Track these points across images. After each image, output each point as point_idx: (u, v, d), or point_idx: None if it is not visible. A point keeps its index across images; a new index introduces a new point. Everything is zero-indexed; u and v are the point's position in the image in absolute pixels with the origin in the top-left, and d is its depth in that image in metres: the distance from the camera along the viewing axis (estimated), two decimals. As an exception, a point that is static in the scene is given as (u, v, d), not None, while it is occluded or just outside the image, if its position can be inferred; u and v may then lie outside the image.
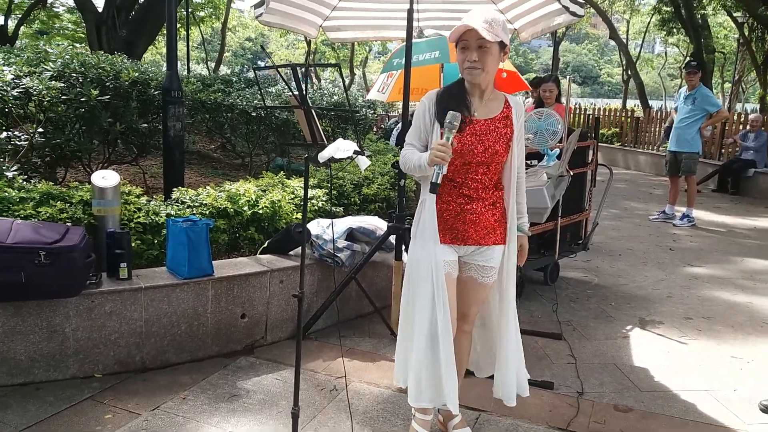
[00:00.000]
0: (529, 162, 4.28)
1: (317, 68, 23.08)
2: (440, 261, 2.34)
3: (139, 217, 3.51)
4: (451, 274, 2.40)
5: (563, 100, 5.24)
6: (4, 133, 4.01)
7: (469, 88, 2.36)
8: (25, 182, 3.54)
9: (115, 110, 4.62)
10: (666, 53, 33.21)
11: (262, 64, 46.77)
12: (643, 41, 27.98)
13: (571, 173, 4.39)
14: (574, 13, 3.41)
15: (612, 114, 16.15)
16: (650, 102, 20.55)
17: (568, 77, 5.93)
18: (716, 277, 5.29)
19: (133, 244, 3.31)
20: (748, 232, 7.23)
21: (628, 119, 15.13)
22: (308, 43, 25.07)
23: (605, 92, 65.00)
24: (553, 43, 27.05)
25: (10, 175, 3.57)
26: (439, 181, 2.17)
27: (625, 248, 6.23)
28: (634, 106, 22.44)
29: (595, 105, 20.30)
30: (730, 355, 3.66)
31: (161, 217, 3.58)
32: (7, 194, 3.25)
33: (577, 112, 16.78)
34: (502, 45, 2.27)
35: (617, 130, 15.22)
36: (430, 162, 2.17)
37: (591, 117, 16.08)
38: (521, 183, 2.51)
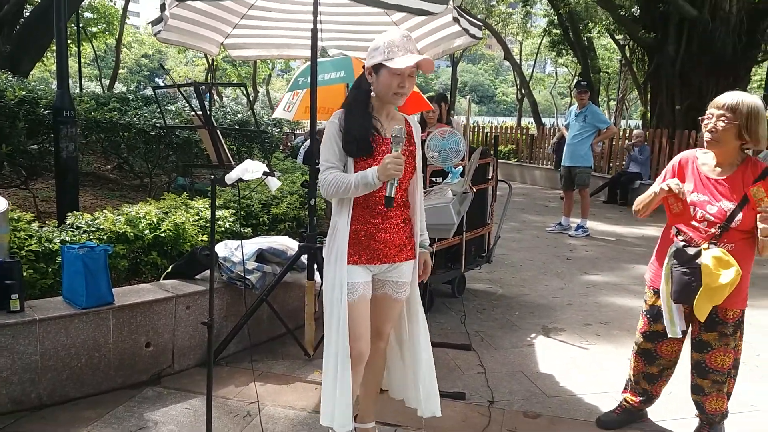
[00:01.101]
0: (434, 180, 4.41)
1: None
2: (345, 283, 2.35)
3: (30, 244, 3.29)
4: (366, 296, 2.42)
5: (457, 118, 5.45)
6: None
7: (377, 109, 2.39)
8: None
9: (0, 131, 4.31)
10: (556, 73, 35.27)
11: (160, 81, 45.12)
12: (535, 62, 29.57)
13: (474, 189, 4.57)
14: (473, 36, 3.57)
15: (508, 131, 16.96)
16: (543, 119, 21.76)
17: (468, 97, 6.18)
18: (611, 284, 5.66)
19: (24, 274, 3.09)
20: (636, 240, 7.80)
21: (524, 136, 15.96)
22: (208, 60, 24.50)
23: (501, 110, 68.03)
24: (451, 64, 28.05)
25: None
26: (393, 195, 2.19)
27: (525, 259, 6.53)
28: (529, 123, 23.65)
29: (492, 123, 21.26)
30: (627, 357, 3.91)
31: (55, 243, 3.36)
32: None
33: (476, 130, 17.48)
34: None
35: (513, 146, 15.99)
36: (385, 177, 2.17)
37: (489, 135, 16.81)
38: (421, 201, 2.58)
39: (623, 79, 23.44)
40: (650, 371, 2.92)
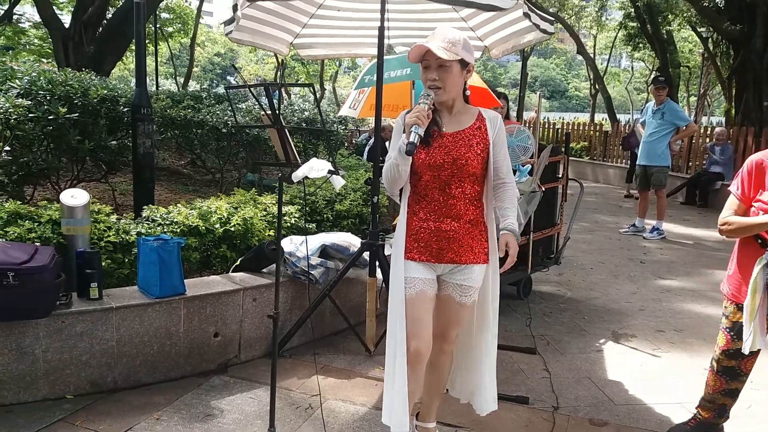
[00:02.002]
0: (501, 177, 4.33)
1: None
2: (403, 279, 2.36)
3: (109, 236, 3.46)
4: (426, 292, 2.40)
5: (527, 115, 5.32)
6: (-31, 152, 3.93)
7: (437, 105, 2.38)
8: (-9, 201, 3.47)
9: (83, 128, 4.56)
10: (632, 68, 34.00)
11: (231, 79, 46.56)
12: (609, 56, 28.64)
13: (543, 188, 4.46)
14: (544, 31, 3.48)
15: (581, 128, 16.45)
16: (618, 115, 21.02)
17: (538, 92, 6.04)
18: (687, 290, 5.40)
19: (103, 264, 3.26)
20: (716, 244, 7.41)
21: (597, 133, 15.44)
22: (278, 59, 25.05)
23: (573, 106, 66.16)
24: (521, 58, 27.51)
25: (-25, 194, 3.49)
26: (415, 141, 2.15)
27: (596, 261, 6.32)
28: (602, 119, 22.90)
29: (563, 119, 20.67)
30: (703, 367, 3.71)
31: (132, 235, 3.52)
32: (-28, 214, 3.17)
33: (546, 126, 17.06)
34: (464, 63, 2.30)
35: (586, 144, 15.50)
36: (408, 125, 2.19)
37: (560, 131, 16.36)
38: (508, 190, 2.47)
39: (705, 74, 22.28)
40: (733, 387, 2.74)
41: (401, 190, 2.42)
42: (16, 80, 4.32)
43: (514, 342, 3.99)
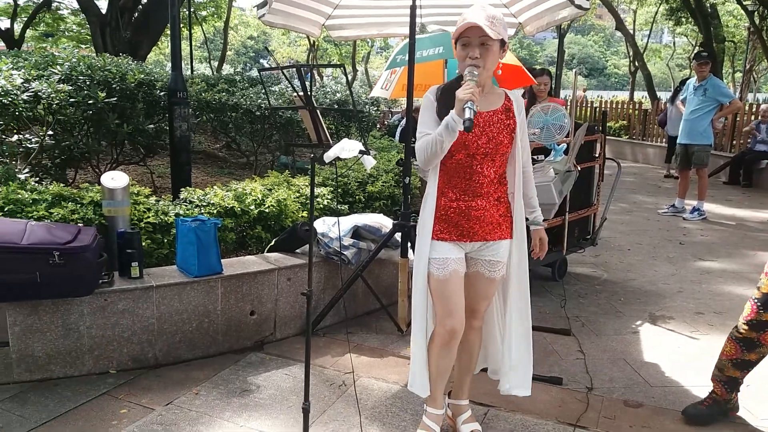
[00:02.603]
0: (535, 157, 4.28)
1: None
2: (427, 257, 2.39)
3: (148, 217, 3.55)
4: (458, 272, 2.41)
5: (563, 93, 5.23)
6: (15, 136, 4.06)
7: None
8: (36, 184, 3.59)
9: (122, 112, 4.66)
10: (674, 43, 32.93)
11: (264, 62, 46.75)
12: (650, 32, 27.80)
13: (579, 168, 4.38)
14: (579, 6, 3.40)
15: (619, 106, 16.06)
16: (658, 93, 20.43)
17: (575, 70, 5.92)
18: (728, 272, 5.27)
19: (143, 244, 3.35)
20: (760, 225, 7.19)
21: (636, 111, 15.05)
22: (310, 41, 25.05)
23: (612, 84, 64.57)
24: (558, 36, 26.90)
25: (22, 177, 3.62)
26: (472, 117, 2.11)
27: (634, 243, 6.21)
28: (642, 97, 22.29)
29: (601, 97, 20.18)
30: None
31: (170, 216, 3.61)
32: (20, 196, 3.29)
33: (584, 104, 16.69)
34: (502, 42, 2.28)
35: (625, 122, 15.12)
36: (459, 106, 2.13)
37: (598, 110, 16.00)
38: (530, 177, 2.52)
39: (751, 49, 21.43)
40: (747, 358, 2.70)
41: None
42: (58, 66, 4.44)
43: (548, 323, 3.97)
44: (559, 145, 4.31)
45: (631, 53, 25.04)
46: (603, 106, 16.42)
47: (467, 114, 2.11)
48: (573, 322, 4.01)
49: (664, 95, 22.08)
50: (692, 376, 3.29)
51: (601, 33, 69.46)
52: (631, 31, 24.64)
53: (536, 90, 5.65)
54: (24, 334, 2.93)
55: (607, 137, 8.95)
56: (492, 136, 2.33)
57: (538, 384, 3.12)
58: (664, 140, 12.74)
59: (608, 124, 14.33)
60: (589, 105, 16.64)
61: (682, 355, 3.57)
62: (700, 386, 3.16)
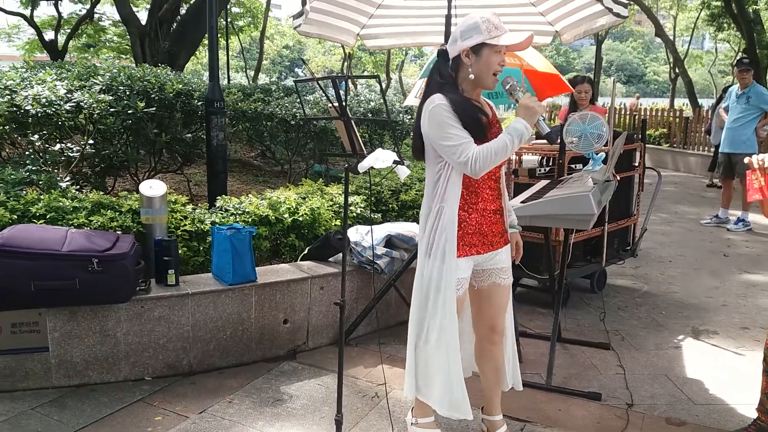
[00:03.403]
0: (573, 166, 4.20)
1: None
2: (454, 278, 2.28)
3: (185, 224, 3.59)
4: (466, 291, 2.42)
5: (601, 101, 5.13)
6: (58, 145, 4.17)
7: (468, 93, 2.30)
8: (77, 192, 3.67)
9: (160, 121, 4.75)
10: (716, 49, 32.13)
11: (299, 71, 47.29)
12: (691, 38, 27.17)
13: (618, 177, 4.28)
14: (618, 14, 3.33)
15: (659, 114, 15.70)
16: (700, 101, 19.93)
17: (613, 77, 5.80)
18: (774, 284, 5.08)
19: (180, 251, 3.39)
20: (806, 235, 6.92)
21: (677, 119, 14.68)
22: (345, 50, 25.21)
23: (651, 91, 63.33)
24: (595, 42, 26.53)
25: (63, 185, 3.71)
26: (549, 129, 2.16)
27: (675, 254, 6.04)
28: (683, 105, 21.78)
29: (641, 104, 19.78)
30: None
31: (206, 224, 3.65)
32: (61, 204, 3.37)
33: (622, 112, 16.38)
34: None
35: (665, 130, 14.76)
36: (533, 118, 2.16)
37: (636, 117, 15.67)
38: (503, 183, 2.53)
39: (797, 54, 20.72)
40: None
41: (445, 182, 2.29)
42: (99, 77, 4.55)
43: (586, 337, 3.88)
44: (597, 154, 4.22)
45: (671, 60, 24.53)
46: (642, 113, 16.08)
47: (546, 127, 2.16)
48: (612, 336, 3.90)
49: (706, 102, 21.55)
50: (737, 394, 3.16)
51: (640, 39, 68.28)
52: (672, 37, 24.15)
53: (577, 98, 5.55)
54: (63, 339, 2.99)
55: (647, 146, 8.75)
56: None
57: (576, 399, 3.05)
58: (709, 149, 12.39)
59: (648, 133, 14.02)
60: (628, 113, 16.29)
61: (727, 372, 3.44)
62: (746, 404, 3.03)
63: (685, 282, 5.12)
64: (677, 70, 22.07)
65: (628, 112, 15.97)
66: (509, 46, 2.20)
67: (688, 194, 10.04)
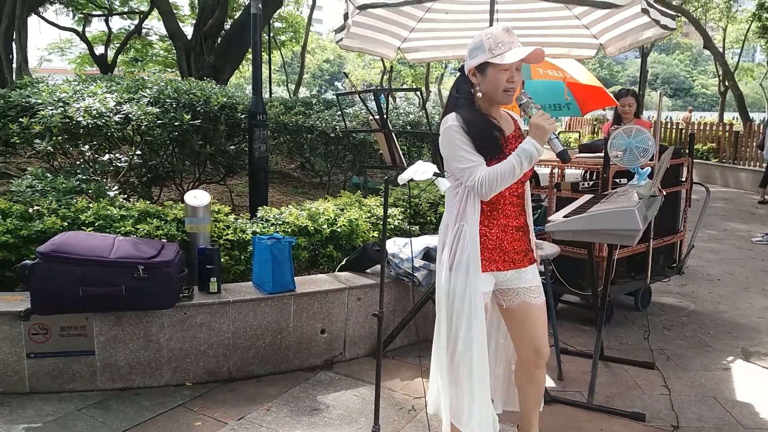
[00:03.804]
0: (618, 181, 4.12)
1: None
2: (478, 293, 2.22)
3: (227, 234, 3.66)
4: (488, 305, 2.34)
5: (646, 114, 5.02)
6: (107, 156, 4.31)
7: (485, 110, 2.26)
8: (124, 201, 3.78)
9: (205, 133, 4.86)
10: None
11: (339, 84, 47.78)
12: (741, 50, 26.39)
13: (664, 193, 4.18)
14: (665, 27, 3.27)
15: (708, 128, 15.28)
16: (751, 114, 19.30)
17: (659, 91, 5.68)
18: (829, 305, 4.85)
19: (222, 260, 3.45)
20: None
21: (726, 134, 14.27)
22: (384, 63, 25.40)
23: (699, 105, 61.57)
24: (640, 55, 26.03)
25: (111, 194, 3.83)
26: (564, 147, 2.11)
27: (724, 272, 5.84)
28: (733, 119, 21.16)
29: (693, 118, 19.28)
30: None
31: (248, 234, 3.71)
32: (109, 212, 3.48)
33: (668, 126, 16.00)
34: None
35: (714, 145, 14.37)
36: (544, 137, 2.10)
37: (684, 132, 15.28)
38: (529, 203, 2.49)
39: None
40: None
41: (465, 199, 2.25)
42: (147, 90, 4.69)
43: (630, 355, 3.77)
44: (643, 168, 4.13)
45: (720, 73, 23.89)
46: (689, 127, 15.68)
47: (559, 146, 2.09)
48: (657, 355, 3.79)
49: (757, 116, 20.86)
50: (792, 419, 3.03)
51: (687, 52, 66.73)
52: (721, 50, 23.51)
53: (621, 111, 5.45)
54: (108, 343, 3.07)
55: (695, 160, 8.52)
56: None
57: (619, 419, 2.97)
58: (761, 164, 11.98)
59: (696, 147, 13.65)
60: (674, 126, 15.90)
61: (780, 396, 3.30)
62: (802, 432, 2.90)
63: (734, 301, 4.94)
64: (727, 84, 21.47)
65: (680, 126, 15.47)
66: (517, 61, 2.15)
67: (738, 211, 9.72)
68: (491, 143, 2.19)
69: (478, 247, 2.22)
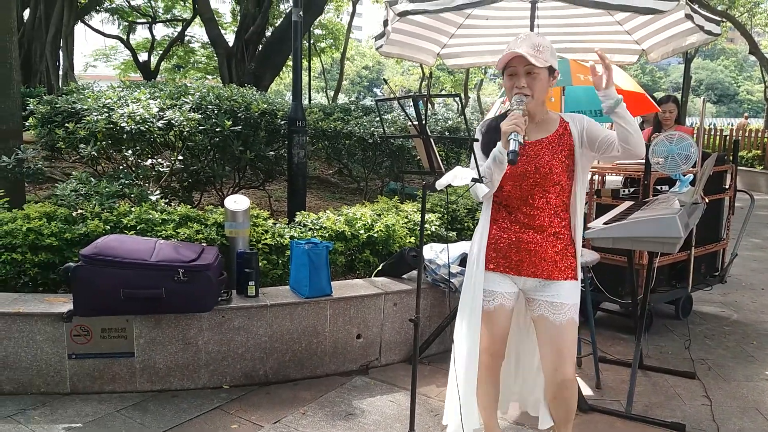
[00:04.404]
0: (659, 188, 4.04)
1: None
2: (480, 288, 2.33)
3: (266, 238, 3.71)
4: (505, 306, 2.35)
5: (688, 121, 4.90)
6: (149, 161, 4.42)
7: (532, 114, 2.28)
8: (166, 205, 3.87)
9: (245, 139, 4.94)
10: (817, 67, 30.07)
11: (378, 91, 47.99)
12: (788, 55, 25.59)
13: (707, 200, 4.08)
14: (709, 32, 3.20)
15: (753, 135, 14.82)
16: (798, 121, 18.65)
17: (703, 97, 5.55)
18: None
19: (260, 264, 3.50)
20: None
21: (772, 140, 13.81)
22: (423, 70, 25.40)
23: (744, 111, 59.95)
24: (683, 61, 25.43)
25: (153, 198, 3.92)
26: (516, 149, 2.05)
27: (769, 282, 5.66)
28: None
29: (732, 125, 18.76)
30: None
31: (286, 239, 3.76)
32: (151, 216, 3.57)
33: (712, 133, 15.58)
34: (551, 70, 2.22)
35: (759, 152, 13.94)
36: (504, 131, 2.10)
37: (728, 138, 14.86)
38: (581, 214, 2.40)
39: None
40: None
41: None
42: (189, 96, 4.79)
43: (670, 365, 3.69)
44: (685, 175, 4.04)
45: (766, 79, 23.18)
46: (734, 134, 15.24)
47: (511, 146, 2.06)
48: (698, 365, 3.69)
49: (805, 123, 20.11)
50: (843, 437, 2.91)
51: (732, 57, 64.92)
52: (767, 55, 22.80)
53: (661, 118, 5.35)
54: (148, 345, 3.14)
55: (739, 168, 8.28)
56: (540, 165, 2.25)
57: (658, 429, 2.91)
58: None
59: (740, 154, 13.26)
60: (718, 133, 15.47)
61: (830, 413, 3.17)
62: None
63: (781, 313, 4.79)
64: (773, 89, 20.80)
65: (724, 133, 14.95)
66: (497, 63, 2.27)
67: (785, 220, 9.40)
68: (491, 147, 2.23)
69: (484, 243, 2.34)
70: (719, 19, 3.34)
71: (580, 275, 2.36)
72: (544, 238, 2.29)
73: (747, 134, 14.75)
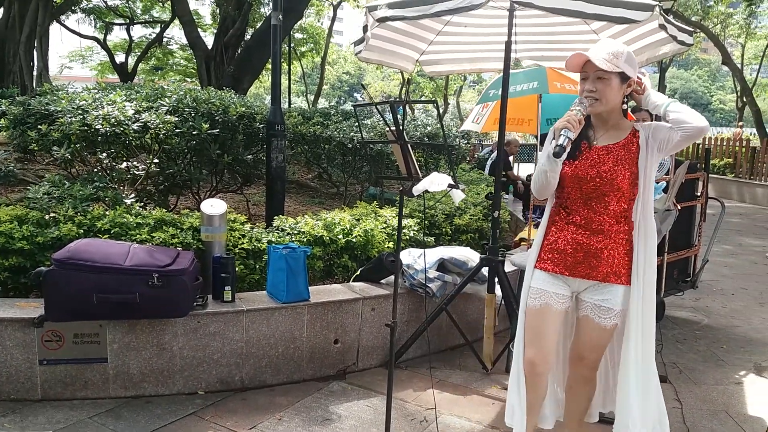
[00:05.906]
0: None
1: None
2: (529, 286, 2.40)
3: (243, 243, 3.69)
4: (551, 306, 2.35)
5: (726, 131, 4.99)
6: (124, 164, 4.36)
7: (600, 118, 2.35)
8: (141, 209, 3.82)
9: (223, 142, 4.90)
10: (787, 78, 30.88)
11: (358, 96, 48.05)
12: (760, 66, 26.19)
13: (679, 207, 4.16)
14: (682, 42, 3.26)
15: (724, 143, 15.15)
16: (768, 130, 19.09)
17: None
18: None
19: (237, 269, 3.48)
20: None
21: (743, 149, 14.13)
22: (403, 76, 25.49)
23: (717, 120, 61.06)
24: (658, 70, 25.92)
25: (128, 201, 3.88)
26: (563, 143, 2.14)
27: (738, 287, 5.78)
28: (750, 134, 20.95)
29: (721, 133, 19.11)
30: None
31: (263, 243, 3.74)
32: (125, 220, 3.52)
33: (740, 142, 15.79)
34: (624, 77, 2.24)
35: (730, 160, 14.24)
36: (555, 127, 2.19)
37: (700, 146, 15.14)
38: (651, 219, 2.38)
39: None
40: None
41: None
42: (166, 98, 4.75)
43: (642, 370, 3.74)
44: (658, 182, 4.12)
45: (738, 88, 23.72)
46: (706, 142, 15.53)
47: (560, 141, 2.13)
48: (669, 369, 3.76)
49: (775, 132, 20.56)
50: (809, 439, 2.98)
51: (706, 67, 66.26)
52: (739, 66, 23.35)
53: None
54: (121, 351, 3.10)
55: (711, 175, 8.45)
56: (603, 171, 2.27)
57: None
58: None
59: (712, 162, 13.53)
60: (732, 143, 15.60)
61: (797, 415, 3.25)
62: (819, 452, 2.85)
63: (748, 316, 4.89)
64: (745, 99, 21.30)
65: (732, 143, 15.03)
66: (566, 64, 2.33)
67: (753, 226, 9.62)
68: (555, 146, 2.26)
69: (540, 244, 2.40)
70: (692, 29, 3.41)
71: (637, 282, 2.30)
72: (600, 241, 2.30)
73: (718, 143, 15.00)
